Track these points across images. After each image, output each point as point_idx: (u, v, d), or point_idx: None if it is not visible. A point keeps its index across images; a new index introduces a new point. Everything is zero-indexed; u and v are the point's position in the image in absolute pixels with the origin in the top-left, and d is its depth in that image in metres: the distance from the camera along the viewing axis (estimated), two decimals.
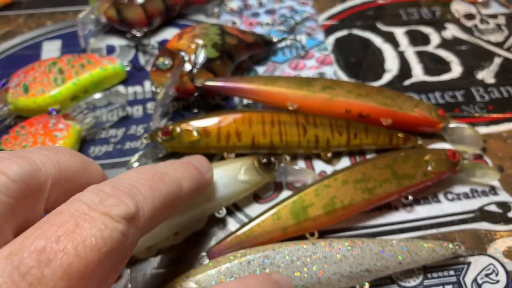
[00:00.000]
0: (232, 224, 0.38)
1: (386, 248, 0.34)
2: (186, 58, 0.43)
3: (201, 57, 0.43)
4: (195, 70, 0.43)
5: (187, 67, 0.43)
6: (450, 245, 0.35)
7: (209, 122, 0.40)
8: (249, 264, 0.32)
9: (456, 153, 0.40)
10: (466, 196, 0.40)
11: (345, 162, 0.42)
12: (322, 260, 0.33)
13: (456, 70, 0.51)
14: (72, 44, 0.51)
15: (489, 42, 0.54)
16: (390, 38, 0.54)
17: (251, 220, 0.36)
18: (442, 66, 0.51)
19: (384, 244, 0.34)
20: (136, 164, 0.39)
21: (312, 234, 0.36)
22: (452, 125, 0.43)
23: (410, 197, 0.39)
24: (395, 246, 0.34)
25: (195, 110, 0.45)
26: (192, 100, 0.45)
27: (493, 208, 0.40)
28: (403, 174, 0.38)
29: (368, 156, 0.43)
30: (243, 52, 0.47)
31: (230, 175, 0.38)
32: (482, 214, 0.39)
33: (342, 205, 0.36)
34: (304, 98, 0.42)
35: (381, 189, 0.37)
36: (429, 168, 0.39)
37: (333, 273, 0.33)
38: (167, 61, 0.43)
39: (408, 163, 0.39)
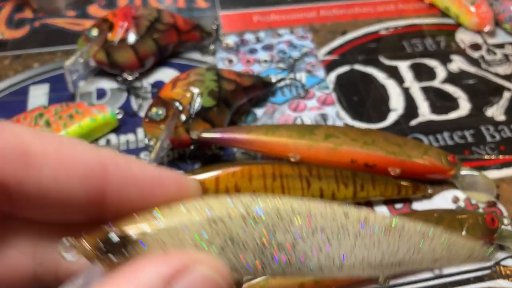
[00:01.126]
0: None
1: (426, 240, 0.25)
2: (181, 108, 0.41)
3: (197, 106, 0.41)
4: (190, 121, 0.40)
5: (182, 117, 0.40)
6: (491, 250, 0.30)
7: (206, 177, 0.38)
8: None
9: (495, 219, 0.37)
10: None
11: None
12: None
13: (464, 107, 0.49)
14: (60, 88, 0.48)
15: (497, 74, 0.52)
16: (394, 73, 0.51)
17: None
18: (450, 103, 0.49)
19: (425, 234, 0.25)
20: None
21: None
22: (464, 172, 0.41)
23: None
24: (436, 239, 0.26)
25: (190, 163, 0.42)
26: (188, 151, 0.43)
27: (510, 262, 0.37)
28: None
29: (376, 207, 0.40)
30: (240, 97, 0.44)
31: None
32: (498, 270, 0.37)
33: None
34: (306, 149, 0.40)
35: None
36: (463, 233, 0.36)
37: (360, 261, 0.23)
38: (161, 112, 0.40)
39: (441, 225, 0.36)
